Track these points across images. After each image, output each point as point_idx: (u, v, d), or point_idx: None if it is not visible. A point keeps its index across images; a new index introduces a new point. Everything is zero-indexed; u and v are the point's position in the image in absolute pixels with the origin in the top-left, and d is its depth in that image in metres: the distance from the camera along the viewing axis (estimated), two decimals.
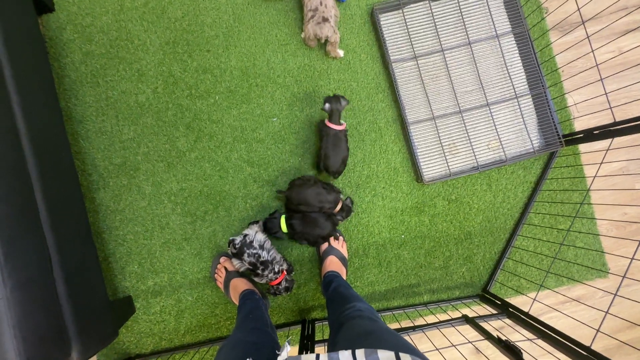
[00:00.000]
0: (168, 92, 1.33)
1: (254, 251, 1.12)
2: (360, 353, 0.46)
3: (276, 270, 1.14)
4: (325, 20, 1.23)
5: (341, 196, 1.26)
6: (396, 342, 0.54)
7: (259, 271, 1.13)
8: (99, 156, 1.31)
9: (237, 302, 1.20)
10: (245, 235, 1.14)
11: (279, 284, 1.17)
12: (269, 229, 1.23)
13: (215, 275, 1.28)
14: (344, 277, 1.24)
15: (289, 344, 0.50)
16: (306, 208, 1.19)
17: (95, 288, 1.11)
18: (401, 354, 0.45)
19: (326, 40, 1.28)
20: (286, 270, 1.19)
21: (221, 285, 1.26)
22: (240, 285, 1.22)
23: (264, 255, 1.13)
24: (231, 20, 1.36)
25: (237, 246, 1.13)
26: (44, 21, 1.31)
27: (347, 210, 1.28)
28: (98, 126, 1.32)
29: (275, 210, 1.29)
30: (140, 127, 1.32)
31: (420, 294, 1.36)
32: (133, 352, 1.30)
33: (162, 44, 1.34)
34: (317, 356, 0.45)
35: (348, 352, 0.46)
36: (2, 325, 0.78)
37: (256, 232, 1.15)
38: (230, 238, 1.17)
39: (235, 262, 1.16)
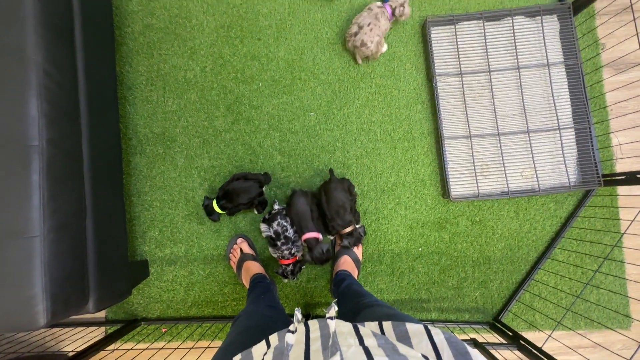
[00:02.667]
0: (215, 72, 1.39)
1: (285, 223, 1.17)
2: (387, 325, 0.46)
3: (292, 251, 1.18)
4: (363, 44, 1.27)
5: (357, 226, 1.22)
6: (423, 322, 0.54)
7: (278, 243, 1.17)
8: (141, 123, 1.38)
9: (247, 285, 1.22)
10: (285, 208, 1.20)
11: (288, 265, 1.19)
12: (208, 213, 1.26)
13: (230, 254, 1.30)
14: (356, 279, 1.23)
15: (335, 304, 0.50)
16: (325, 204, 1.19)
17: (118, 245, 1.15)
18: (431, 328, 0.44)
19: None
20: (299, 257, 1.20)
21: (234, 266, 1.28)
22: (252, 268, 1.23)
23: (290, 232, 1.17)
24: (286, 13, 1.40)
25: (273, 212, 1.19)
26: None
27: (356, 238, 1.21)
28: (145, 95, 1.38)
29: (204, 196, 1.29)
30: (184, 101, 1.38)
31: (429, 311, 1.33)
32: (140, 314, 1.34)
33: (217, 27, 1.40)
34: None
35: (375, 323, 0.46)
36: (35, 260, 0.83)
37: None
38: (274, 200, 1.24)
39: (263, 226, 1.22)
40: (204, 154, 1.37)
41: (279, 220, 1.15)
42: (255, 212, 1.32)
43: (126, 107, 1.38)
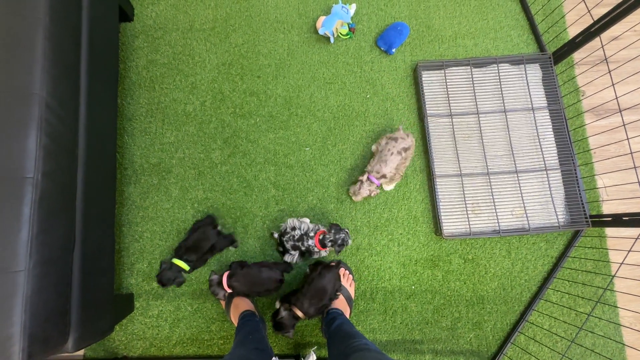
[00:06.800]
0: (214, 107, 1.43)
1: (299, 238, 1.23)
2: None
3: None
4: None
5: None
6: None
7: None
8: (138, 153, 1.39)
9: (235, 322, 1.18)
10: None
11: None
12: (168, 280, 1.23)
13: None
14: (348, 317, 1.20)
15: (314, 353, 0.49)
16: (307, 284, 1.17)
17: (105, 279, 1.12)
18: None
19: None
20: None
21: (223, 302, 1.24)
22: (242, 304, 1.20)
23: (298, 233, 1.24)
24: (285, 53, 1.48)
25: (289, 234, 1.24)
26: (121, 28, 1.47)
27: (282, 325, 1.14)
28: (144, 126, 1.41)
29: (160, 262, 1.28)
30: (182, 133, 1.40)
31: (423, 353, 1.29)
32: (121, 352, 1.27)
33: (218, 64, 1.46)
34: None
35: None
36: (17, 296, 0.80)
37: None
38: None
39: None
40: (198, 186, 1.37)
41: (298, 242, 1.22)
42: (232, 249, 1.32)
43: (124, 137, 1.40)
